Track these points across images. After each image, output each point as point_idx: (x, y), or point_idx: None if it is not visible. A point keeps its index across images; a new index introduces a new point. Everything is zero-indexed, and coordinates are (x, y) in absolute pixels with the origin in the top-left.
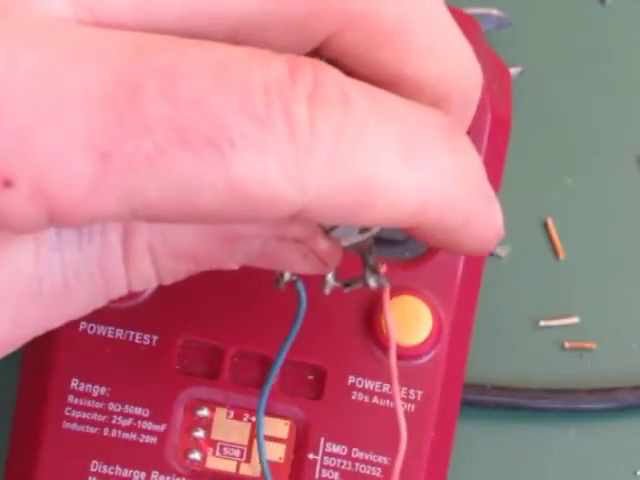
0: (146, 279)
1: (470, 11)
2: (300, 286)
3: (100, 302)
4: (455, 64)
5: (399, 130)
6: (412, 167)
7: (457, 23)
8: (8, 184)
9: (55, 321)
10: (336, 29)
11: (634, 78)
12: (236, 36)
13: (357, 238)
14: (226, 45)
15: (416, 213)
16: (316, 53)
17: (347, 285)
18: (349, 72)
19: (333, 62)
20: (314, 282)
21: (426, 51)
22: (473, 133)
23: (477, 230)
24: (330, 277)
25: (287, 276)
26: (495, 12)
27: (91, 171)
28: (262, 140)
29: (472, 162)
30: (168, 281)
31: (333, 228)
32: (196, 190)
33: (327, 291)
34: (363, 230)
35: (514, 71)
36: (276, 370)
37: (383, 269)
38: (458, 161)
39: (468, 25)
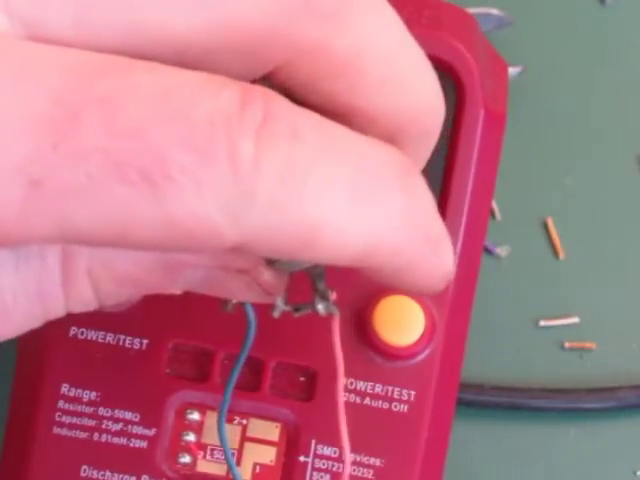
0: (85, 302)
1: (470, 10)
2: (249, 308)
3: (37, 323)
4: (413, 96)
5: (348, 170)
6: (359, 210)
7: (454, 20)
8: None
9: None
10: (286, 58)
11: (634, 78)
12: (183, 58)
13: (304, 265)
14: (176, 69)
15: (360, 255)
16: (266, 78)
17: (297, 310)
18: (299, 100)
19: (283, 89)
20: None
21: (380, 83)
22: (466, 129)
23: (423, 273)
24: (280, 301)
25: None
26: (495, 11)
27: (20, 194)
28: (202, 175)
29: (423, 204)
30: (108, 303)
31: (277, 260)
32: (129, 222)
33: (276, 314)
34: None
35: (514, 71)
36: (235, 377)
37: (333, 296)
38: (408, 205)
39: (466, 21)
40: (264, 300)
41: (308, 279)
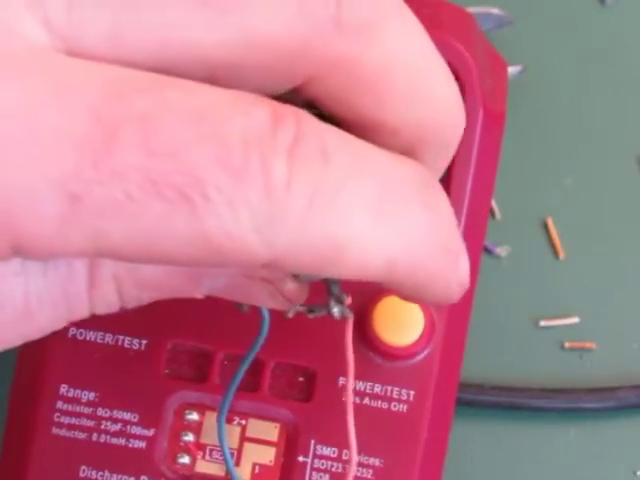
0: (109, 305)
1: (471, 10)
2: (264, 311)
3: (60, 325)
4: (436, 107)
5: (373, 188)
6: (382, 226)
7: (454, 19)
8: None
9: (11, 343)
10: (316, 73)
11: (634, 78)
12: (214, 74)
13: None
14: (209, 88)
15: (383, 271)
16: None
17: (311, 311)
18: (325, 112)
19: (310, 102)
20: None
21: (407, 98)
22: (465, 128)
23: (442, 286)
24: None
25: None
26: (495, 11)
27: (59, 210)
28: (236, 194)
29: (444, 219)
30: (130, 306)
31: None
32: (163, 239)
33: (291, 315)
34: None
35: (514, 70)
36: (240, 376)
37: (348, 301)
38: (430, 220)
39: (465, 20)
40: (284, 307)
41: (323, 283)
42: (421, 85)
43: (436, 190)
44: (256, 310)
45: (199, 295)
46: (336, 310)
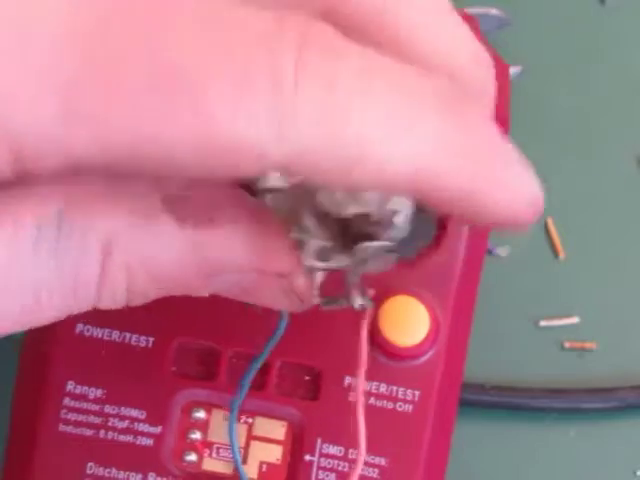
0: (116, 299)
1: (470, 11)
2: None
3: (62, 316)
4: (463, 47)
5: (393, 91)
6: (404, 128)
7: None
8: None
9: (9, 331)
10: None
11: (634, 78)
12: None
13: (346, 261)
14: None
15: (409, 177)
16: None
17: (327, 303)
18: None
19: None
20: None
21: (434, 28)
22: None
23: (498, 200)
24: (313, 293)
25: None
26: (495, 12)
27: (56, 106)
28: (244, 89)
29: (476, 128)
30: (135, 303)
31: (315, 268)
32: (167, 134)
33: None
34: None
35: (514, 71)
36: (252, 373)
37: (371, 292)
38: (458, 127)
39: (465, 21)
40: (294, 308)
41: (345, 274)
42: (443, 23)
43: (467, 104)
44: (268, 309)
45: (206, 293)
46: (357, 301)
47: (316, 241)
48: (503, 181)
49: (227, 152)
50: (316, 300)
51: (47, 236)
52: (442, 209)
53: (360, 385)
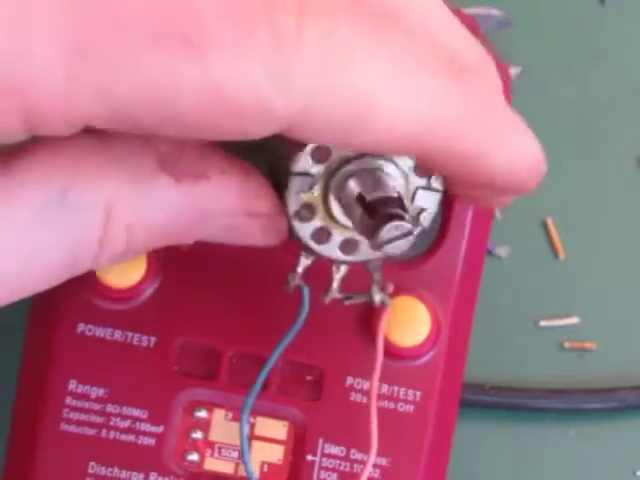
0: (113, 260)
1: (470, 11)
2: (305, 292)
3: (60, 280)
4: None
5: (399, 50)
6: (412, 86)
7: None
8: None
9: (14, 295)
10: None
11: (634, 78)
12: None
13: (369, 255)
14: None
15: (415, 136)
16: None
17: (348, 298)
18: None
19: None
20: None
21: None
22: None
23: (499, 160)
24: (335, 287)
25: (296, 280)
26: (495, 12)
27: (64, 65)
28: (244, 42)
29: (481, 92)
30: (128, 259)
31: (339, 260)
32: (174, 93)
33: (327, 300)
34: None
35: (514, 71)
36: (267, 370)
37: (390, 288)
38: (462, 88)
39: (466, 22)
40: (269, 243)
41: (366, 270)
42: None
43: (473, 67)
44: (269, 307)
45: (191, 241)
46: (378, 296)
47: (341, 232)
48: (509, 140)
49: (230, 107)
50: (338, 296)
51: (52, 204)
52: (448, 171)
53: (375, 382)
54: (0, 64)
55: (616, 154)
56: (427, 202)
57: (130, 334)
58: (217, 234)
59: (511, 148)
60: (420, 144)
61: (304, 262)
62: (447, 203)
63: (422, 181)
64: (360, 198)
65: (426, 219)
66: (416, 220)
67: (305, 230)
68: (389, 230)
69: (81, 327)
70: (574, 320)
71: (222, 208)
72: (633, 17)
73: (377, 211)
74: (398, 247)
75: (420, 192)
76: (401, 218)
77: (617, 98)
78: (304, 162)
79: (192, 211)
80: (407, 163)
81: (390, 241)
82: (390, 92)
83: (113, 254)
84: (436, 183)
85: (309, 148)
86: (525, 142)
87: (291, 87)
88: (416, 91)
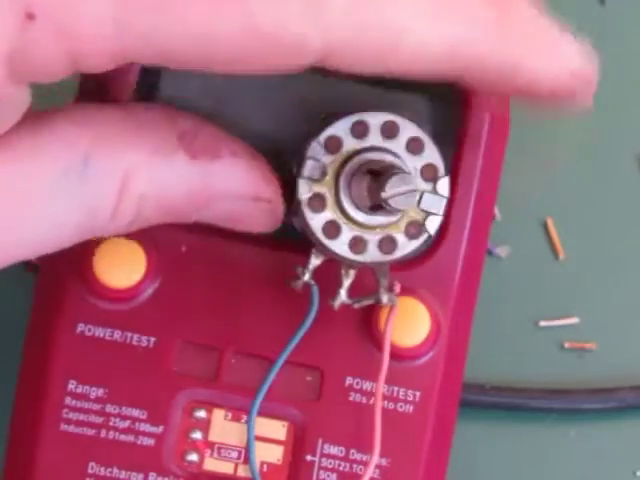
0: (118, 229)
1: None
2: (315, 291)
3: (66, 246)
4: None
5: None
6: (434, 12)
7: None
8: (31, 17)
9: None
10: None
11: (634, 78)
12: None
13: (377, 257)
14: None
15: (443, 58)
16: None
17: (357, 302)
18: None
19: None
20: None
21: None
22: (471, 134)
23: (536, 70)
24: (343, 293)
25: (306, 277)
26: None
27: (112, 12)
28: None
29: (516, 13)
30: (132, 229)
31: (347, 259)
32: (216, 30)
33: (336, 305)
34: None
35: None
36: (276, 370)
37: (397, 288)
38: (496, 14)
39: None
40: (267, 228)
41: (373, 274)
42: None
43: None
44: (269, 308)
45: (192, 220)
46: (385, 297)
47: (350, 228)
48: (544, 49)
49: (269, 42)
50: (347, 301)
51: (74, 169)
52: (487, 87)
53: (380, 384)
54: (53, 8)
55: (616, 154)
56: (433, 207)
57: (130, 334)
58: (219, 218)
59: (547, 56)
60: (449, 64)
61: (314, 262)
62: (447, 204)
63: (428, 186)
64: (369, 171)
65: (432, 224)
66: (422, 226)
67: (316, 221)
68: (394, 183)
69: (81, 327)
70: (574, 320)
71: (231, 189)
72: (633, 17)
73: (384, 173)
74: (402, 203)
75: (426, 196)
76: (405, 173)
77: (617, 98)
78: (316, 150)
79: (203, 189)
80: (415, 164)
81: (395, 195)
82: (417, 15)
83: (121, 224)
84: (442, 188)
85: (322, 137)
86: (564, 48)
87: (325, 21)
88: (449, 17)
